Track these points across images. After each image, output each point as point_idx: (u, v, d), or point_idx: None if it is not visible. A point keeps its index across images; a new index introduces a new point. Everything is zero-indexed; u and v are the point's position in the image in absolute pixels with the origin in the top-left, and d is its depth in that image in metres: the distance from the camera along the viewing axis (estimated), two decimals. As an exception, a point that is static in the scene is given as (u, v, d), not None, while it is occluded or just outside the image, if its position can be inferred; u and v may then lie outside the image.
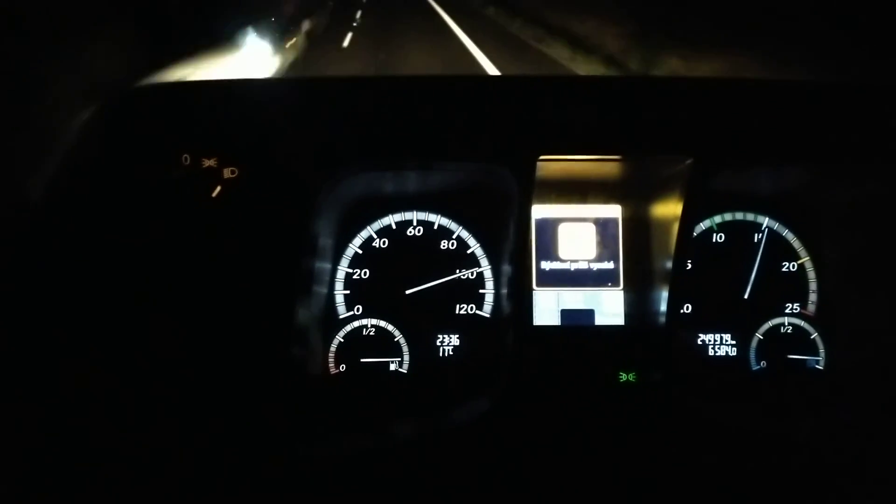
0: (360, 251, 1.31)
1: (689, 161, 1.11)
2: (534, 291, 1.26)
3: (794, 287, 1.33)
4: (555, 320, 1.26)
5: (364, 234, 1.31)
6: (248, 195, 1.03)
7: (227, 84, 1.11)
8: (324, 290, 1.26)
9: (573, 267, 1.28)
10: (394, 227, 1.32)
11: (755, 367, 1.31)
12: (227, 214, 1.02)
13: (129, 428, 0.99)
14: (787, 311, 1.32)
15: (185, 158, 1.01)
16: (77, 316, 1.00)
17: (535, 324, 1.23)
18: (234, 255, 1.04)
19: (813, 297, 1.33)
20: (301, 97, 1.12)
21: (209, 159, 1.01)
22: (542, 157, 1.10)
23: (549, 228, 1.28)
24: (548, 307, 1.27)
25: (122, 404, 0.99)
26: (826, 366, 1.31)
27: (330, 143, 1.09)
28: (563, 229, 1.28)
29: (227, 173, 1.01)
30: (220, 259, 1.04)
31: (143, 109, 1.08)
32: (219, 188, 1.00)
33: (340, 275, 1.30)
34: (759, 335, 1.32)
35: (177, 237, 1.03)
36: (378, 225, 1.32)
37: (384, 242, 1.32)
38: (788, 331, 1.32)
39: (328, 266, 1.27)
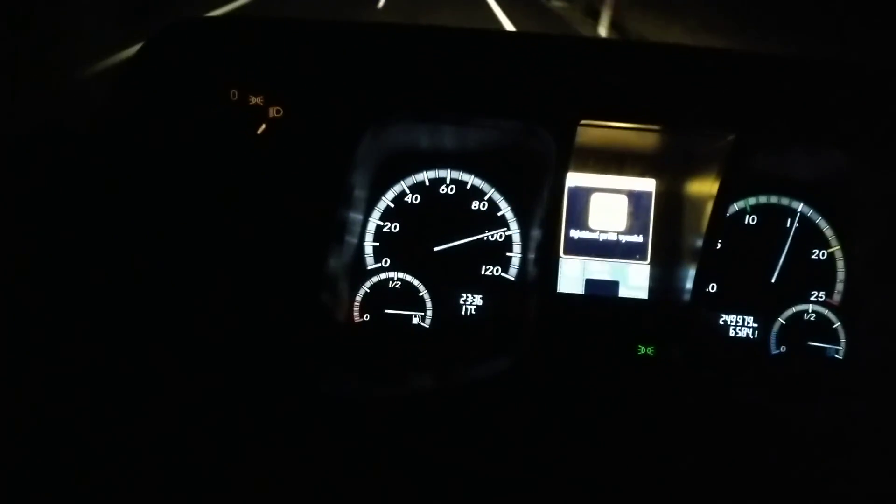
0: (392, 205, 1.32)
1: (730, 137, 1.10)
2: (560, 259, 1.26)
3: (822, 275, 1.33)
4: (579, 289, 1.27)
5: (397, 188, 1.32)
6: (292, 136, 1.04)
7: (278, 22, 1.11)
8: (354, 240, 1.28)
9: (602, 237, 1.28)
10: (427, 183, 1.33)
11: (774, 352, 1.32)
12: (269, 153, 1.03)
13: (160, 366, 1.01)
14: (813, 298, 1.32)
15: (233, 94, 1.02)
16: (117, 248, 1.02)
17: (559, 291, 1.24)
18: (272, 196, 1.06)
19: (840, 286, 1.32)
20: (350, 42, 1.12)
21: (256, 96, 1.02)
22: (583, 122, 1.10)
23: (581, 197, 1.29)
24: (573, 275, 1.27)
25: (154, 340, 1.02)
26: (846, 355, 1.31)
27: (372, 92, 1.09)
28: (595, 199, 1.28)
29: (272, 112, 1.02)
30: (258, 198, 1.05)
31: (192, 42, 1.09)
32: (264, 126, 1.01)
33: (371, 226, 1.31)
34: (781, 320, 1.32)
35: (219, 172, 1.04)
36: (412, 180, 1.32)
37: (416, 198, 1.33)
38: (811, 318, 1.32)
39: (360, 217, 1.29)
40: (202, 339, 1.04)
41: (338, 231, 1.14)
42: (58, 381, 0.97)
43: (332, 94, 1.05)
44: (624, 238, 1.28)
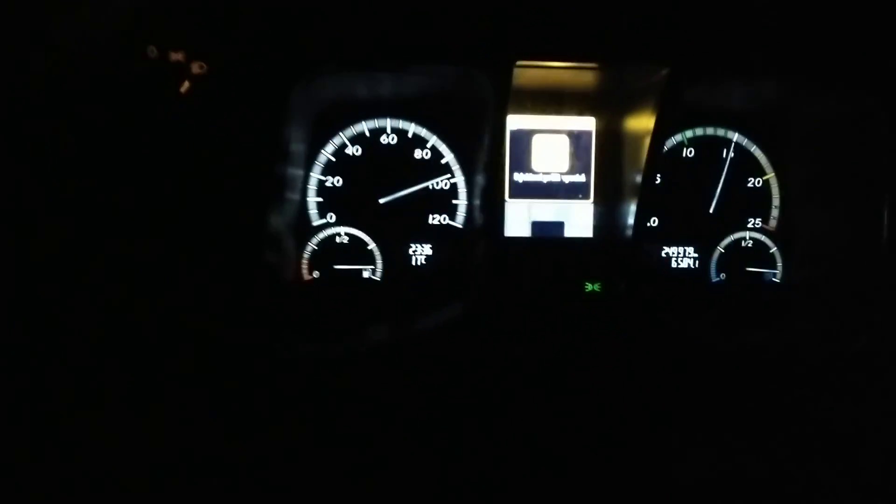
0: (333, 158, 1.29)
1: (664, 71, 1.10)
2: (506, 202, 1.27)
3: (758, 202, 1.37)
4: (525, 231, 1.29)
5: (337, 140, 1.29)
6: (218, 93, 0.99)
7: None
8: (296, 196, 1.25)
9: (545, 179, 1.29)
10: (367, 134, 1.30)
11: (715, 280, 1.37)
12: (195, 112, 0.99)
13: (107, 337, 0.99)
14: (749, 225, 1.37)
15: (152, 51, 0.96)
16: (48, 221, 0.98)
17: (506, 235, 1.25)
18: (203, 157, 1.02)
19: (775, 212, 1.37)
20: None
21: (177, 52, 0.96)
22: (519, 63, 1.08)
23: (523, 139, 1.28)
24: (519, 218, 1.29)
25: (97, 312, 0.99)
26: (783, 279, 1.36)
27: (302, 40, 1.05)
28: (536, 140, 1.28)
29: (195, 68, 0.97)
30: (188, 159, 1.01)
31: (103, -2, 1.02)
32: (187, 84, 0.97)
33: (313, 182, 1.29)
34: (720, 248, 1.36)
35: (144, 135, 1.00)
36: (351, 131, 1.30)
37: (357, 150, 1.30)
38: (749, 245, 1.36)
39: (300, 172, 1.26)
40: (147, 310, 1.01)
41: (277, 188, 1.12)
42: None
43: (258, 45, 1.01)
44: (567, 178, 1.29)
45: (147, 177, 1.02)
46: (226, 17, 1.01)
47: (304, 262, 1.28)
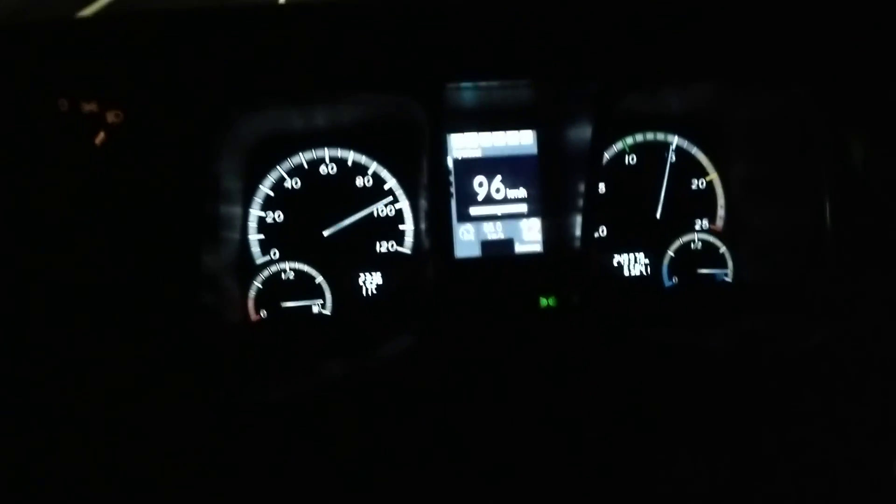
0: (272, 193, 1.26)
1: (596, 83, 1.10)
2: (454, 225, 1.25)
3: (703, 204, 1.37)
4: (475, 252, 1.27)
5: (274, 174, 1.26)
6: (137, 140, 0.96)
7: (101, 17, 1.01)
8: (236, 235, 1.22)
9: (491, 197, 1.27)
10: (305, 165, 1.27)
11: (668, 284, 1.36)
12: (114, 162, 0.95)
13: (48, 389, 0.95)
14: (697, 227, 1.37)
15: (63, 104, 0.93)
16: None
17: (456, 257, 1.23)
18: (128, 203, 0.98)
19: (721, 212, 1.37)
20: (188, 28, 1.03)
21: (89, 103, 0.93)
22: (449, 85, 1.07)
23: (464, 160, 1.26)
24: (468, 239, 1.27)
25: (34, 361, 0.95)
26: (734, 278, 1.37)
27: (222, 78, 1.02)
28: (478, 160, 1.27)
29: (111, 117, 0.94)
30: (113, 208, 0.98)
31: (9, 49, 0.97)
32: (102, 134, 0.93)
33: (253, 218, 1.25)
34: (671, 252, 1.36)
35: (66, 188, 0.95)
36: (288, 164, 1.27)
37: (297, 182, 1.27)
38: (698, 247, 1.37)
39: (238, 210, 1.22)
40: (87, 359, 0.97)
41: (210, 227, 1.08)
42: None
43: (173, 89, 0.97)
44: (513, 194, 1.28)
45: (72, 230, 0.98)
46: (140, 62, 0.98)
47: (250, 301, 1.25)
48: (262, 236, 1.26)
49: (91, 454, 0.97)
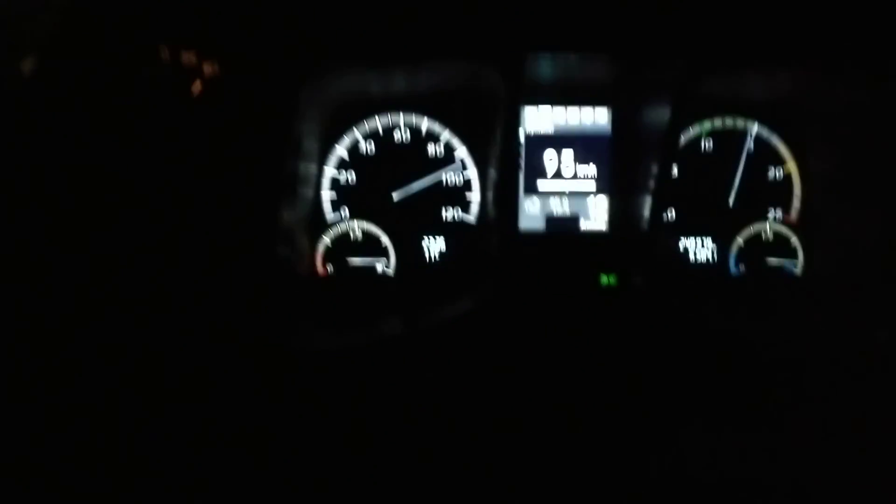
0: (346, 154, 1.30)
1: (680, 63, 1.08)
2: (520, 197, 1.26)
3: (779, 194, 1.34)
4: (540, 226, 1.28)
5: (350, 137, 1.30)
6: (230, 92, 1.00)
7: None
8: (310, 192, 1.26)
9: (560, 172, 1.28)
10: (380, 130, 1.30)
11: (734, 272, 1.34)
12: (208, 112, 1.00)
13: (127, 334, 1.01)
14: (770, 217, 1.34)
15: (164, 51, 0.98)
16: (66, 221, 1.00)
17: (520, 229, 1.24)
18: (216, 155, 1.03)
19: (796, 203, 1.34)
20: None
21: (188, 52, 0.98)
22: (530, 55, 1.07)
23: (537, 132, 1.27)
24: (533, 213, 1.28)
25: (115, 309, 1.01)
26: (804, 271, 1.33)
27: (312, 38, 1.05)
28: (551, 134, 1.27)
29: (207, 69, 0.98)
30: (202, 158, 1.03)
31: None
32: (199, 84, 0.98)
33: (327, 177, 1.30)
34: (740, 240, 1.34)
35: (157, 137, 1.01)
36: (364, 128, 1.30)
37: (370, 145, 1.30)
38: (769, 237, 1.33)
39: (314, 168, 1.27)
40: (165, 305, 1.03)
41: (290, 184, 1.13)
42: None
43: (269, 44, 1.01)
44: (582, 171, 1.28)
45: (160, 176, 1.03)
46: (236, 17, 1.02)
47: (319, 256, 1.29)
48: (334, 195, 1.30)
49: (172, 395, 1.03)
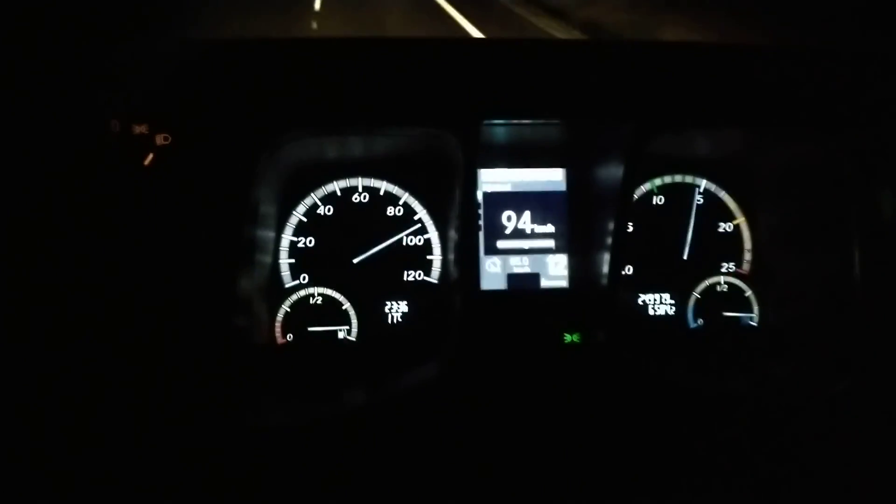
0: (305, 219, 1.29)
1: (629, 125, 1.12)
2: (481, 257, 1.27)
3: (730, 247, 1.38)
4: (501, 285, 1.28)
5: (308, 201, 1.29)
6: (183, 162, 0.99)
7: (157, 45, 1.05)
8: (268, 258, 1.24)
9: (519, 231, 1.29)
10: (338, 193, 1.30)
11: (693, 325, 1.36)
12: (160, 183, 0.98)
13: (75, 406, 0.96)
14: (723, 270, 1.37)
15: (115, 125, 0.96)
16: (18, 296, 0.95)
17: (482, 289, 1.24)
18: (170, 225, 1.01)
19: (748, 255, 1.38)
20: (237, 58, 1.07)
21: (140, 125, 0.96)
22: (485, 122, 1.09)
23: (494, 194, 1.29)
24: (494, 272, 1.28)
25: (63, 378, 0.96)
26: (760, 322, 1.36)
27: (268, 107, 1.05)
28: (508, 195, 1.29)
29: (159, 140, 0.97)
30: (155, 228, 1.00)
31: (67, 73, 1.02)
32: (151, 156, 0.96)
33: (285, 243, 1.28)
34: (696, 294, 1.36)
35: (108, 209, 0.98)
36: (322, 192, 1.29)
37: (329, 209, 1.30)
38: (724, 289, 1.37)
39: (272, 234, 1.25)
40: (116, 382, 0.99)
41: (246, 251, 1.10)
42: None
43: (221, 115, 1.01)
44: (540, 230, 1.29)
45: (113, 247, 1.00)
46: (187, 88, 1.01)
47: (277, 324, 1.26)
48: (292, 261, 1.28)
49: (114, 471, 0.98)
